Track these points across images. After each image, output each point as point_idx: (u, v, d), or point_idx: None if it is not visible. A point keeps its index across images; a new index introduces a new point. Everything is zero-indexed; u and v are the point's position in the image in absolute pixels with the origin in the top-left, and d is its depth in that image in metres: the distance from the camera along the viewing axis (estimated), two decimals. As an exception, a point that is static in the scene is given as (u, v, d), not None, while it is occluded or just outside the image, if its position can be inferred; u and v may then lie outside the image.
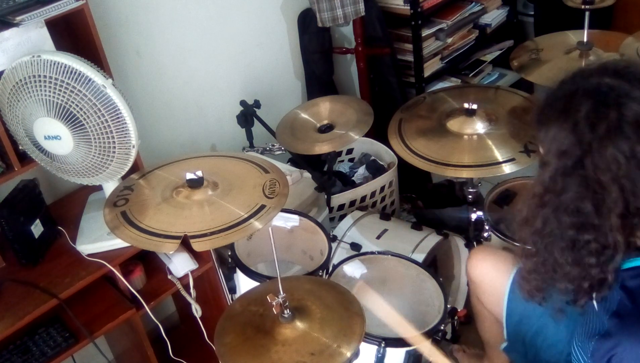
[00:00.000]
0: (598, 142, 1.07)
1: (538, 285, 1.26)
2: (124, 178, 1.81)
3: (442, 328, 1.74)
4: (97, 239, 1.89)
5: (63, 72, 1.62)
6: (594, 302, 1.21)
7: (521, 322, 1.63)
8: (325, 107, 2.39)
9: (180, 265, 2.02)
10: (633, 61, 1.19)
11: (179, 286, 2.01)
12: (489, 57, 3.21)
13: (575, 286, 1.17)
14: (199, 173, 1.59)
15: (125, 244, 1.81)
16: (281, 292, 1.43)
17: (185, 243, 1.46)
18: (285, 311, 1.44)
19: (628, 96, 1.09)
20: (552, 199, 1.14)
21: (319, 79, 2.87)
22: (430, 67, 2.92)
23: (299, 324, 1.45)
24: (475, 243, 2.17)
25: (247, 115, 2.45)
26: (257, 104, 2.45)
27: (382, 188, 2.56)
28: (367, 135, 2.29)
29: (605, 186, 1.08)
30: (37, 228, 1.88)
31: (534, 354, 1.62)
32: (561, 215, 1.13)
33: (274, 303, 1.41)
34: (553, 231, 1.16)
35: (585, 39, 2.19)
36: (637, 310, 1.11)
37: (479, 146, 1.93)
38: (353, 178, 2.72)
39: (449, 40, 2.94)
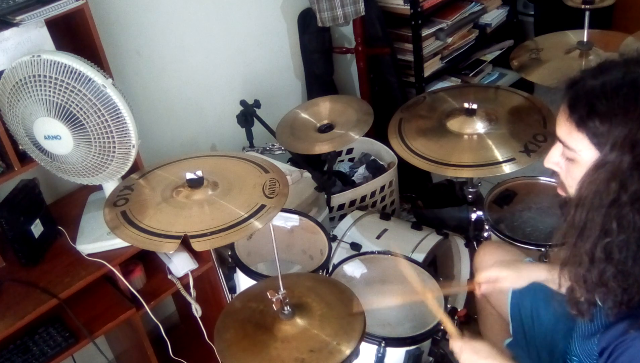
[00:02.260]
0: None
1: (606, 297, 1.13)
2: (124, 177, 1.81)
3: (442, 328, 1.74)
4: (97, 239, 1.89)
5: (63, 72, 1.62)
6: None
7: (524, 318, 1.64)
8: (325, 107, 2.39)
9: (180, 265, 2.02)
10: None
11: (179, 286, 2.01)
12: (489, 57, 3.21)
13: (626, 293, 1.09)
14: (199, 173, 1.59)
15: (125, 244, 1.82)
16: (281, 289, 1.43)
17: (185, 243, 1.46)
18: (286, 308, 1.44)
19: None
20: (630, 196, 1.04)
21: (319, 78, 2.87)
22: (430, 67, 2.92)
23: (299, 321, 1.45)
24: (475, 243, 2.17)
25: (247, 115, 2.45)
26: (257, 103, 2.45)
27: (382, 188, 2.56)
28: (367, 135, 2.29)
29: None
30: (37, 228, 1.87)
31: (536, 352, 1.62)
32: (626, 212, 1.04)
33: (274, 300, 1.41)
34: (637, 231, 1.05)
35: (585, 39, 2.19)
36: None
37: (479, 145, 1.93)
38: (353, 178, 2.72)
39: (449, 40, 2.94)
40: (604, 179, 1.07)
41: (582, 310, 1.21)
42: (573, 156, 1.15)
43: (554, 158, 1.22)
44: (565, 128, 1.14)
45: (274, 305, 1.42)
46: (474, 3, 3.03)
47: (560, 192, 1.26)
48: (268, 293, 1.42)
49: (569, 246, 1.15)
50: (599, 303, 1.18)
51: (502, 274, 1.55)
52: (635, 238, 1.06)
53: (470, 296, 2.28)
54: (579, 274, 1.14)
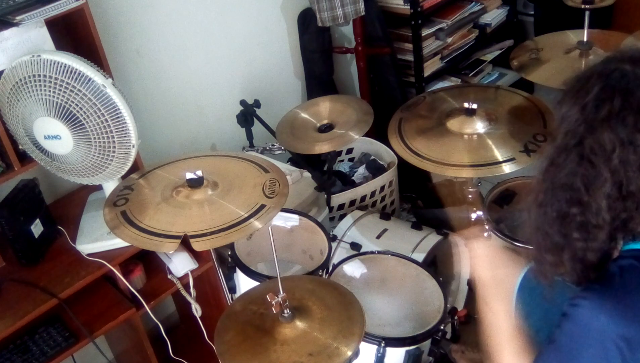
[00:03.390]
0: (599, 124, 1.09)
1: (550, 262, 1.24)
2: (123, 177, 1.81)
3: (442, 328, 1.74)
4: (97, 239, 1.89)
5: (63, 72, 1.62)
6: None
7: (528, 319, 1.63)
8: (325, 106, 2.39)
9: (180, 265, 2.02)
10: None
11: (179, 285, 2.01)
12: (489, 57, 3.21)
13: (557, 257, 1.19)
14: (199, 173, 1.59)
15: (125, 244, 1.82)
16: (281, 291, 1.43)
17: (185, 243, 1.46)
18: (285, 311, 1.44)
19: (638, 84, 1.10)
20: (552, 172, 1.17)
21: (319, 78, 2.87)
22: (430, 66, 2.92)
23: (299, 324, 1.45)
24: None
25: (247, 114, 2.45)
26: (257, 103, 2.45)
27: (382, 188, 2.56)
28: (367, 135, 2.28)
29: (595, 166, 1.10)
30: (37, 228, 1.87)
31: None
32: (557, 188, 1.16)
33: (273, 303, 1.41)
34: (548, 201, 1.18)
35: (585, 39, 2.19)
36: (622, 282, 1.12)
37: (478, 145, 1.93)
38: (353, 178, 2.72)
39: (449, 39, 2.94)
40: (545, 154, 1.19)
41: (545, 274, 1.27)
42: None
43: None
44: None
45: (273, 308, 1.42)
46: (474, 3, 3.03)
47: None
48: (268, 296, 1.42)
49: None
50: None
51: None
52: (552, 206, 1.17)
53: (471, 296, 2.29)
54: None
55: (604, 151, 1.09)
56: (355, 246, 2.17)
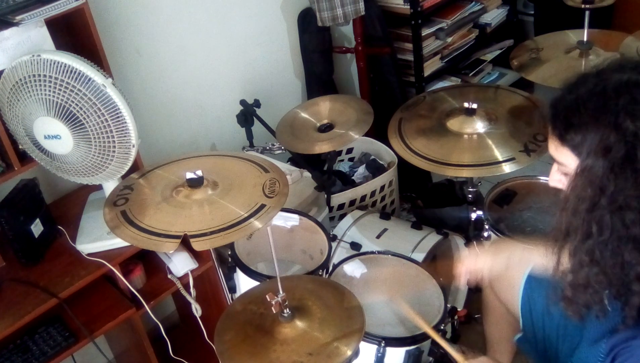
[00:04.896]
0: None
1: (598, 299, 1.18)
2: (124, 177, 1.81)
3: (442, 327, 1.74)
4: (97, 238, 1.89)
5: (63, 72, 1.62)
6: (606, 302, 1.20)
7: (535, 314, 1.64)
8: (325, 106, 2.39)
9: (180, 265, 2.02)
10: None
11: (179, 285, 2.01)
12: (489, 57, 3.21)
13: (620, 289, 1.13)
14: (199, 173, 1.59)
15: (125, 243, 1.82)
16: (280, 291, 1.43)
17: (185, 243, 1.46)
18: (285, 311, 1.44)
19: None
20: (608, 199, 1.09)
21: (319, 78, 2.87)
22: (430, 66, 2.92)
23: (299, 323, 1.45)
24: (475, 242, 2.17)
25: (247, 114, 2.45)
26: (257, 103, 2.45)
27: (382, 188, 2.56)
28: (367, 134, 2.29)
29: None
30: (37, 228, 1.87)
31: (543, 347, 1.62)
32: (624, 213, 1.09)
33: (273, 302, 1.41)
34: (616, 233, 1.10)
35: (585, 39, 2.19)
36: None
37: (478, 145, 1.93)
38: (353, 178, 2.72)
39: (449, 39, 2.94)
40: (583, 184, 1.12)
41: (577, 312, 1.23)
42: (565, 170, 1.20)
43: (554, 177, 1.27)
44: (552, 145, 1.21)
45: (273, 308, 1.42)
46: (473, 3, 3.03)
47: None
48: (267, 296, 1.42)
49: (557, 251, 1.20)
50: (606, 305, 1.19)
51: (480, 260, 1.60)
52: (614, 239, 1.10)
53: (471, 296, 2.29)
54: (568, 276, 1.19)
55: None
56: (355, 246, 2.17)
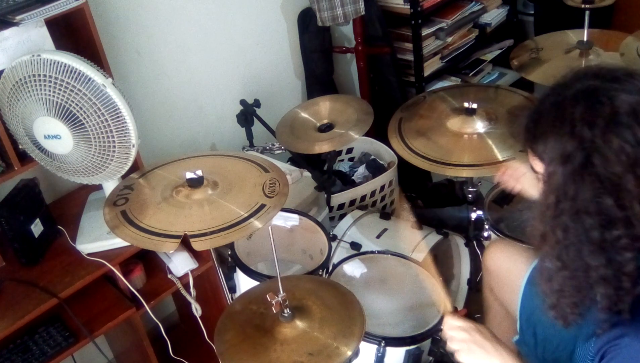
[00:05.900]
0: (601, 137, 1.09)
1: (572, 303, 1.21)
2: (124, 177, 1.81)
3: (442, 327, 1.74)
4: (97, 238, 1.89)
5: (63, 72, 1.62)
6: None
7: (532, 316, 1.64)
8: (325, 106, 2.39)
9: (180, 264, 2.02)
10: (605, 65, 1.21)
11: (179, 285, 2.01)
12: (489, 57, 3.21)
13: (614, 287, 1.14)
14: (199, 172, 1.59)
15: (125, 243, 1.82)
16: (281, 291, 1.43)
17: (185, 242, 1.46)
18: (285, 311, 1.44)
19: (614, 89, 1.12)
20: (568, 205, 1.13)
21: (319, 78, 2.87)
22: (430, 66, 2.92)
23: (299, 323, 1.45)
24: (475, 242, 2.17)
25: (247, 114, 2.45)
26: (257, 103, 2.45)
27: (382, 187, 2.56)
28: (367, 134, 2.29)
29: (620, 176, 1.09)
30: (37, 228, 1.87)
31: (542, 349, 1.62)
32: (583, 218, 1.12)
33: (273, 302, 1.41)
34: (578, 237, 1.14)
35: (585, 38, 2.19)
36: None
37: (478, 145, 1.93)
38: (353, 177, 2.72)
39: (449, 39, 2.94)
40: (546, 192, 1.17)
41: (564, 317, 1.25)
42: (541, 179, 1.23)
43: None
44: (528, 157, 1.25)
45: (273, 308, 1.42)
46: (473, 2, 3.02)
47: None
48: (268, 296, 1.42)
49: (537, 257, 1.27)
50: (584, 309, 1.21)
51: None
52: (576, 243, 1.14)
53: (471, 295, 2.29)
54: (548, 282, 1.23)
55: (620, 159, 1.08)
56: (355, 245, 2.17)
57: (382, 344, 1.66)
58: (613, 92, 1.11)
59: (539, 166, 1.21)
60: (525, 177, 1.64)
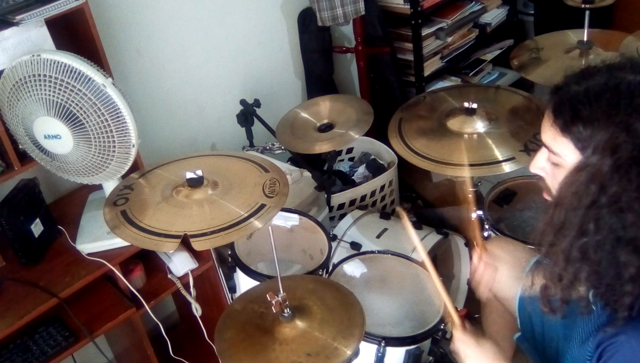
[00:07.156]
0: None
1: (575, 295, 1.17)
2: (124, 177, 1.81)
3: (442, 327, 1.74)
4: (97, 238, 1.89)
5: (63, 71, 1.62)
6: (596, 301, 1.20)
7: (533, 314, 1.64)
8: (325, 106, 2.39)
9: (180, 264, 2.02)
10: None
11: (179, 285, 2.01)
12: (489, 56, 3.21)
13: (616, 282, 1.11)
14: (199, 172, 1.59)
15: (125, 243, 1.82)
16: (281, 291, 1.43)
17: (185, 242, 1.46)
18: (285, 310, 1.44)
19: None
20: (610, 199, 1.07)
21: (319, 78, 2.87)
22: (430, 66, 2.92)
23: (299, 323, 1.45)
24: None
25: (247, 114, 2.45)
26: (257, 103, 2.45)
27: (382, 187, 2.56)
28: (367, 134, 2.29)
29: None
30: (37, 227, 1.87)
31: (542, 347, 1.62)
32: (625, 214, 1.06)
33: (273, 302, 1.41)
34: (614, 233, 1.08)
35: (585, 38, 2.19)
36: None
37: (479, 145, 1.93)
38: (353, 177, 2.72)
39: (449, 39, 2.94)
40: (584, 181, 1.10)
41: (554, 308, 1.23)
42: (558, 161, 1.17)
43: (539, 163, 1.24)
44: (550, 133, 1.17)
45: (273, 308, 1.42)
46: (474, 2, 3.03)
47: (547, 196, 1.27)
48: (268, 296, 1.42)
49: (545, 245, 1.18)
50: (591, 304, 1.19)
51: (501, 256, 1.59)
52: (611, 239, 1.09)
53: (471, 295, 2.29)
54: (555, 272, 1.17)
55: None
56: (355, 245, 2.17)
57: (382, 344, 1.66)
58: None
59: (568, 149, 1.13)
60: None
